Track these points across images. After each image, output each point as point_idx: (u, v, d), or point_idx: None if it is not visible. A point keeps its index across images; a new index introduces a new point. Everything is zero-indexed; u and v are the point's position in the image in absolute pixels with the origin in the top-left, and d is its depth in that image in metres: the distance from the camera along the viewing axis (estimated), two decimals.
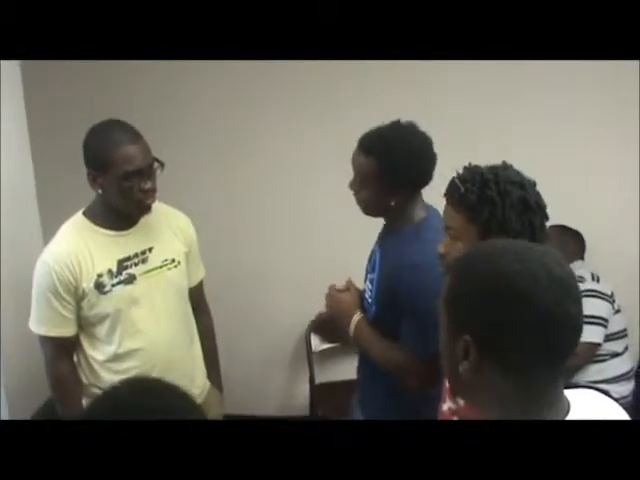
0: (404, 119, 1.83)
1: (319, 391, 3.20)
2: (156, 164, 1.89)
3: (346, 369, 3.14)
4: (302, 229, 3.16)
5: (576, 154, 2.94)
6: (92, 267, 1.90)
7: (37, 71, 2.91)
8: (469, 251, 1.04)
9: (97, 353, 1.99)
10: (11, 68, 2.90)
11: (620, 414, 1.04)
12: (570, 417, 0.97)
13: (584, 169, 2.95)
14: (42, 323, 1.94)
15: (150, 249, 1.98)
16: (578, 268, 2.82)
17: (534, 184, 1.48)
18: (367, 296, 1.95)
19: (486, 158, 1.54)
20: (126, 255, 1.94)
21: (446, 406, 1.57)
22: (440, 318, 1.02)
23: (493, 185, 1.43)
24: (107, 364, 1.98)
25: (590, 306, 2.69)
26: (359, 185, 1.84)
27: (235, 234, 3.18)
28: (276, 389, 3.42)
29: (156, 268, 1.99)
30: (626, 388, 2.79)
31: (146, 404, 0.83)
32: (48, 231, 2.08)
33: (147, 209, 1.91)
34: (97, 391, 1.97)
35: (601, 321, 2.74)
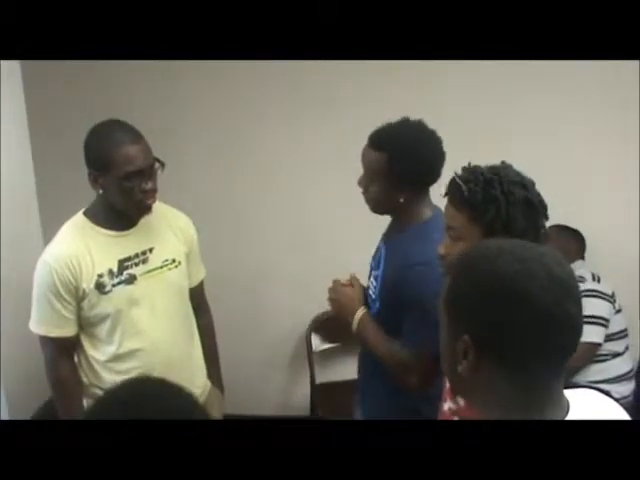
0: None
1: (319, 391, 3.20)
2: (157, 164, 1.89)
3: (346, 369, 3.15)
4: (302, 229, 3.16)
5: (576, 154, 2.94)
6: (92, 267, 1.90)
7: (37, 71, 2.91)
8: (469, 251, 1.04)
9: (97, 353, 1.99)
10: (11, 68, 2.90)
11: (620, 414, 1.04)
12: (570, 417, 0.97)
13: (584, 169, 2.95)
14: (42, 323, 1.94)
15: (151, 249, 1.98)
16: (579, 268, 2.82)
17: (533, 184, 1.48)
18: (371, 292, 1.95)
19: (486, 158, 1.54)
20: (127, 255, 1.94)
21: (446, 406, 1.57)
22: (440, 318, 1.02)
23: (497, 185, 1.44)
24: (108, 364, 1.98)
25: (591, 306, 2.69)
26: (368, 181, 1.85)
27: (235, 234, 3.18)
28: (276, 389, 3.42)
29: (157, 268, 1.99)
30: (627, 388, 2.79)
31: (148, 404, 0.83)
32: (49, 231, 2.08)
33: (148, 209, 1.91)
34: (97, 391, 1.97)
35: (602, 321, 2.74)
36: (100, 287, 1.91)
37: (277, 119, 3.03)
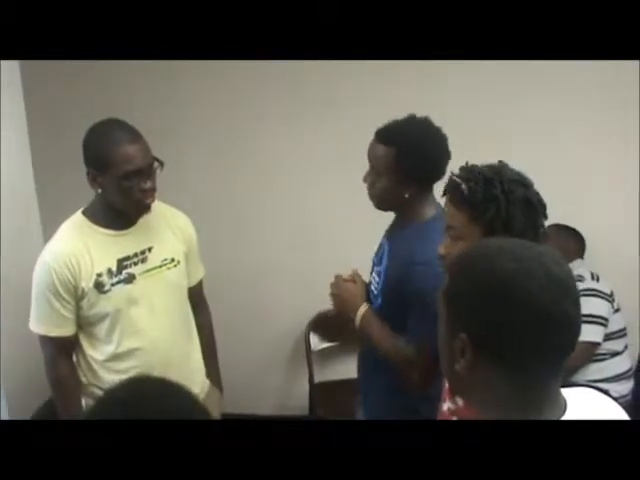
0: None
1: (318, 390, 3.20)
2: (156, 164, 1.90)
3: (345, 368, 3.15)
4: (302, 229, 3.16)
5: (576, 154, 2.94)
6: (91, 266, 1.90)
7: (37, 71, 2.91)
8: (467, 250, 1.05)
9: (96, 353, 1.99)
10: (11, 68, 2.90)
11: (619, 413, 1.04)
12: (567, 416, 0.97)
13: (584, 169, 2.95)
14: (42, 323, 1.95)
15: (150, 249, 1.98)
16: (577, 267, 2.82)
17: (532, 183, 1.49)
18: (373, 288, 1.96)
19: (486, 158, 1.54)
20: (126, 255, 1.94)
21: (445, 406, 1.57)
22: (439, 316, 1.02)
23: (497, 183, 1.44)
24: (106, 364, 1.98)
25: (590, 305, 2.69)
26: (375, 176, 1.85)
27: (235, 234, 3.18)
28: (275, 388, 3.42)
29: (155, 268, 1.99)
30: (626, 387, 2.79)
31: (148, 404, 0.83)
32: (48, 230, 2.08)
33: (147, 209, 1.91)
34: (96, 391, 1.98)
35: (601, 320, 2.74)
36: (99, 286, 1.91)
37: (277, 119, 3.03)
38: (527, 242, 1.01)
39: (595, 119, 2.89)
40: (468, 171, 1.49)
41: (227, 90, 3.00)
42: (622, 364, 2.81)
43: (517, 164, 1.53)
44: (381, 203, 1.90)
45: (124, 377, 0.89)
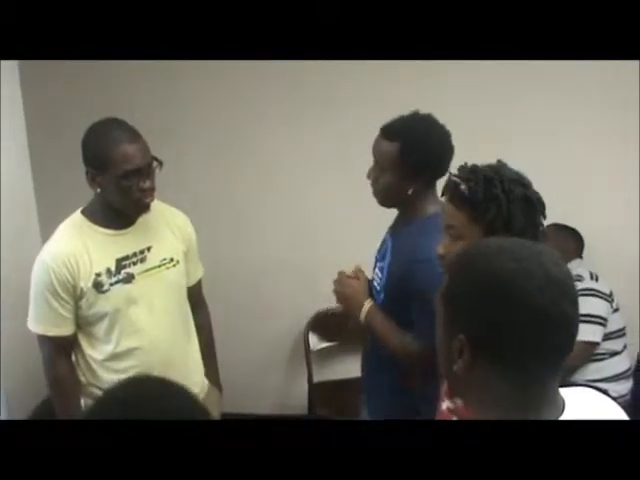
0: None
1: (317, 390, 3.20)
2: (155, 163, 1.89)
3: (344, 368, 3.16)
4: (301, 229, 3.16)
5: (576, 154, 2.94)
6: (90, 266, 1.90)
7: (35, 71, 2.91)
8: (466, 250, 1.05)
9: (95, 352, 1.99)
10: (9, 67, 2.89)
11: (617, 413, 1.04)
12: (565, 416, 0.97)
13: (584, 169, 2.95)
14: (40, 322, 1.94)
15: (149, 248, 1.98)
16: (576, 267, 2.82)
17: (531, 182, 1.49)
18: (375, 284, 1.97)
19: (486, 158, 1.54)
20: (125, 254, 1.94)
21: (445, 405, 1.57)
22: (437, 316, 1.02)
23: (497, 183, 1.44)
24: (105, 363, 1.98)
25: (589, 305, 2.69)
26: (379, 172, 1.86)
27: (234, 233, 3.18)
28: (274, 388, 3.42)
29: (154, 267, 1.99)
30: (625, 387, 2.80)
31: (148, 404, 0.83)
32: (47, 230, 2.07)
33: (146, 208, 1.91)
34: (95, 390, 1.98)
35: (600, 320, 2.74)
36: (98, 286, 1.91)
37: (277, 119, 3.03)
38: (526, 242, 1.01)
39: (595, 119, 2.89)
40: (468, 171, 1.49)
41: (227, 90, 3.00)
42: (621, 364, 2.81)
43: (517, 164, 1.53)
44: (385, 199, 1.90)
45: (123, 377, 0.89)
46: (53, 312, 1.91)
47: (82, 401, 2.00)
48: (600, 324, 2.74)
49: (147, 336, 1.98)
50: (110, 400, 0.86)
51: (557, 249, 1.06)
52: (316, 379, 3.22)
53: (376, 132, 1.89)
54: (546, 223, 1.52)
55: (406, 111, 1.86)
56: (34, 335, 1.97)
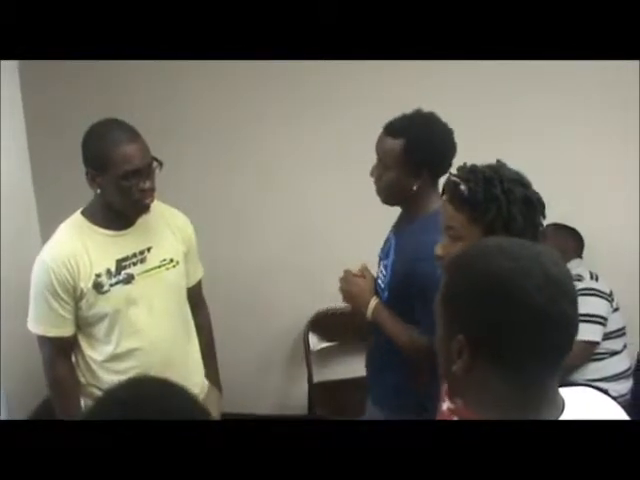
0: None
1: (317, 390, 3.19)
2: (155, 163, 1.89)
3: (344, 368, 3.16)
4: (301, 229, 3.16)
5: (576, 154, 2.94)
6: (90, 267, 1.90)
7: (35, 71, 2.91)
8: (465, 250, 1.04)
9: (95, 353, 1.99)
10: (9, 67, 2.89)
11: (617, 412, 1.04)
12: (565, 416, 0.97)
13: (584, 169, 2.95)
14: (40, 323, 1.94)
15: (148, 249, 1.98)
16: (576, 266, 2.82)
17: (530, 182, 1.49)
18: (380, 282, 1.98)
19: (486, 158, 1.54)
20: (124, 255, 1.94)
21: (445, 405, 1.57)
22: (436, 316, 1.02)
23: (497, 183, 1.44)
24: (105, 364, 1.98)
25: (589, 304, 2.69)
26: (382, 169, 1.87)
27: (234, 234, 3.18)
28: (274, 388, 3.42)
29: (154, 268, 1.99)
30: (624, 386, 2.80)
31: (148, 404, 0.83)
32: (47, 231, 2.07)
33: (146, 209, 1.91)
34: (95, 391, 1.97)
35: (600, 319, 2.74)
36: (98, 287, 1.91)
37: (277, 119, 3.03)
38: (525, 241, 1.01)
39: (595, 119, 2.89)
40: (467, 171, 1.49)
41: (227, 90, 3.00)
42: (621, 363, 2.81)
43: (517, 164, 1.53)
44: (388, 197, 1.91)
45: (123, 377, 0.89)
46: (53, 313, 1.91)
47: (82, 402, 1.99)
48: (600, 324, 2.74)
49: (147, 337, 1.98)
50: (110, 400, 0.86)
51: (556, 249, 1.06)
52: (316, 379, 3.22)
53: (376, 132, 1.89)
54: (545, 223, 1.52)
55: (406, 111, 1.87)
56: (34, 335, 1.97)
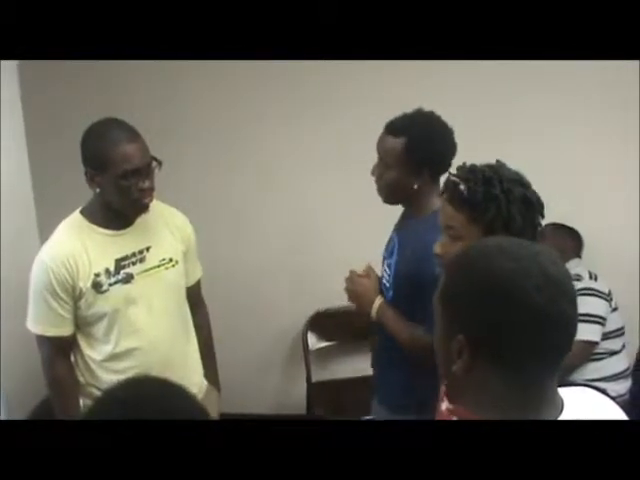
0: None
1: (316, 389, 3.19)
2: (154, 163, 1.89)
3: (343, 368, 3.16)
4: (301, 229, 3.16)
5: (576, 154, 2.94)
6: (89, 266, 1.90)
7: (35, 71, 2.91)
8: (464, 250, 1.04)
9: (94, 353, 1.99)
10: (8, 67, 2.89)
11: (616, 412, 1.04)
12: (564, 416, 0.97)
13: (584, 169, 2.95)
14: (39, 322, 1.94)
15: (148, 248, 1.98)
16: (575, 266, 2.82)
17: (529, 182, 1.49)
18: (384, 281, 1.99)
19: (486, 158, 1.54)
20: (124, 254, 1.94)
21: (444, 406, 1.57)
22: (436, 317, 1.02)
23: (497, 183, 1.44)
24: (104, 364, 1.98)
25: (588, 304, 2.69)
26: (384, 168, 1.88)
27: (233, 234, 3.18)
28: (273, 388, 3.42)
29: (154, 267, 1.99)
30: (623, 386, 2.80)
31: (148, 404, 0.83)
32: (46, 230, 2.07)
33: (145, 208, 1.91)
34: (94, 391, 1.97)
35: (598, 319, 2.74)
36: (97, 286, 1.91)
37: (277, 119, 3.03)
38: (525, 241, 1.01)
39: (595, 119, 2.89)
40: (467, 171, 1.50)
41: (227, 90, 3.00)
42: (620, 363, 2.81)
43: (517, 164, 1.53)
44: (389, 195, 1.92)
45: (122, 377, 0.89)
46: (52, 312, 1.91)
47: (81, 401, 1.99)
48: (599, 323, 2.74)
49: (146, 336, 1.98)
50: (110, 400, 0.86)
51: (555, 249, 1.06)
52: (315, 379, 3.22)
53: (376, 132, 1.90)
54: (544, 223, 1.52)
55: (406, 111, 1.87)
56: (33, 335, 1.97)
